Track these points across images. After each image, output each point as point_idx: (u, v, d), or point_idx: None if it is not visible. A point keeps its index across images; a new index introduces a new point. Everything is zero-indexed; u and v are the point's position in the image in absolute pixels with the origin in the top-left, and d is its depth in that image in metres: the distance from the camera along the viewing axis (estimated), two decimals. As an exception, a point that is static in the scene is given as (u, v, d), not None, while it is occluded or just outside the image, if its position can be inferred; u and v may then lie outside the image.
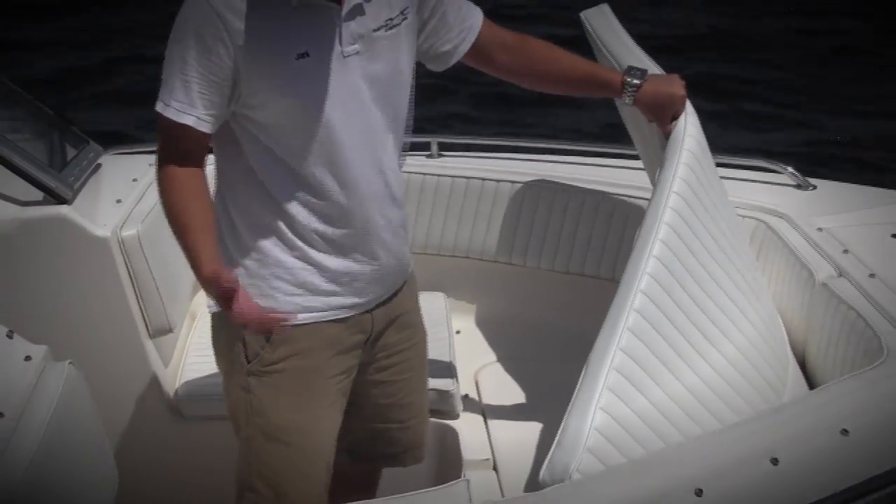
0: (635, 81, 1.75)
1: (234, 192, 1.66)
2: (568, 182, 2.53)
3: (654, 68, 1.85)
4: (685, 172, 1.68)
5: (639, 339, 1.47)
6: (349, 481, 1.86)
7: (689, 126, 1.74)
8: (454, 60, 1.74)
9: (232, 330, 1.67)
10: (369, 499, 1.82)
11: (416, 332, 1.87)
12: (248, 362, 1.68)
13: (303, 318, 1.65)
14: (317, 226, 1.63)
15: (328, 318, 1.66)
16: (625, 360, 1.43)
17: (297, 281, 1.66)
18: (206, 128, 1.50)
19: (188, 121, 1.47)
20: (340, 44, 1.52)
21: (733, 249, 1.82)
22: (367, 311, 1.70)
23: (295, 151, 1.57)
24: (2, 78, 2.49)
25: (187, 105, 1.48)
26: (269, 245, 1.64)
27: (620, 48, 2.03)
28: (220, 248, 1.65)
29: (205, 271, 1.51)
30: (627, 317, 1.48)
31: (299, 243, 1.64)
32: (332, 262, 1.64)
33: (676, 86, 1.76)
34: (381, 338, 1.77)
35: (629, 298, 1.49)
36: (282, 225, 1.62)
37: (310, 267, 1.65)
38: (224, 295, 1.52)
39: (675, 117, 1.76)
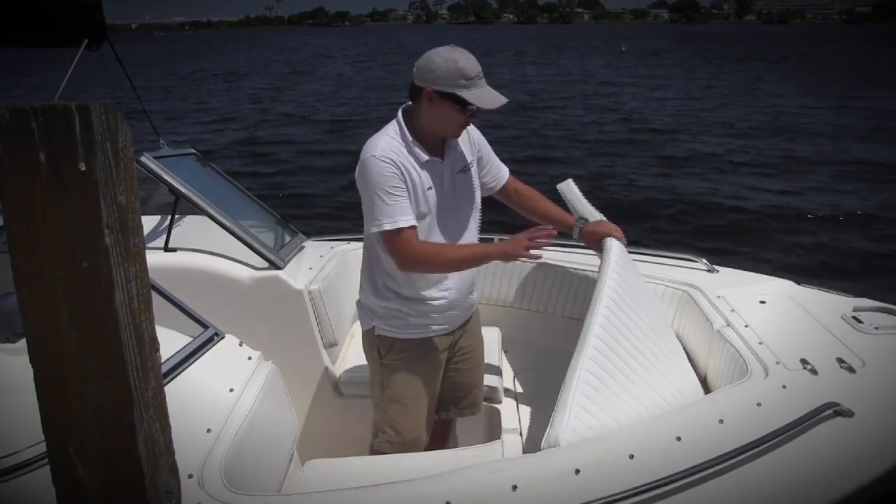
0: (580, 225, 2.30)
1: (377, 260, 2.06)
2: (560, 263, 2.95)
3: (596, 215, 2.37)
4: (615, 269, 2.10)
5: (595, 365, 1.77)
6: (436, 427, 2.29)
7: (614, 248, 2.21)
8: (491, 194, 2.28)
9: (372, 340, 2.11)
10: (447, 438, 2.36)
11: (477, 343, 2.35)
12: (381, 357, 2.12)
13: (414, 334, 2.09)
14: (422, 281, 2.06)
15: (428, 335, 2.13)
16: (588, 377, 1.72)
17: (414, 313, 2.08)
18: (415, 224, 1.91)
19: (412, 223, 1.89)
20: (444, 180, 2.02)
21: (648, 308, 2.15)
22: (450, 332, 2.19)
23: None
24: (245, 190, 3.09)
25: (406, 216, 1.89)
26: (397, 293, 2.06)
27: (577, 203, 2.53)
28: (366, 290, 2.05)
29: (499, 249, 1.99)
30: (587, 352, 1.78)
31: (416, 293, 2.06)
32: (433, 304, 2.09)
33: (602, 226, 2.28)
34: (457, 344, 2.25)
35: (587, 341, 1.81)
36: (404, 282, 2.05)
37: (419, 307, 2.08)
38: (515, 249, 1.93)
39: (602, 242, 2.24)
